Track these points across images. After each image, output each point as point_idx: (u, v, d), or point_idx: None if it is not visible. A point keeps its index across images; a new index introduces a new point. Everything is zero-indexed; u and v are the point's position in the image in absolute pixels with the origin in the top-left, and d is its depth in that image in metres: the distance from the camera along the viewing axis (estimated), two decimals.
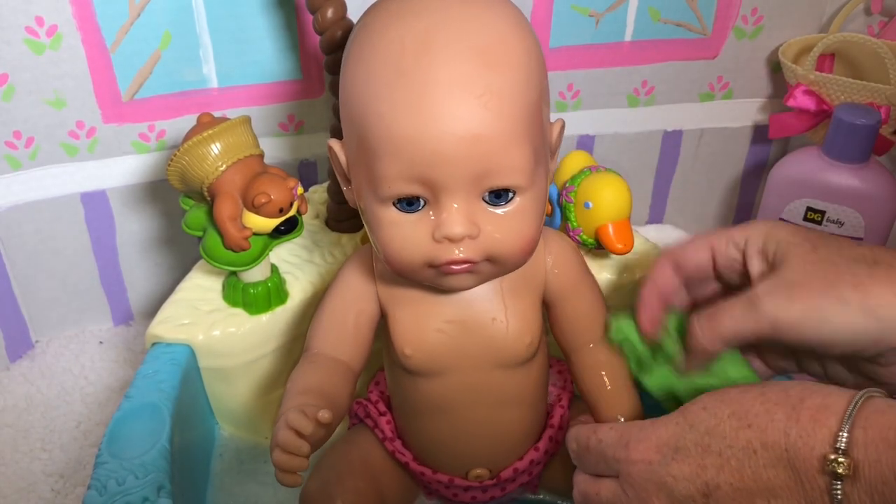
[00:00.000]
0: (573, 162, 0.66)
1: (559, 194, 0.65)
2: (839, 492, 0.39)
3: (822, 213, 0.76)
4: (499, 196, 0.45)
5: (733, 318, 0.48)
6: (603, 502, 0.48)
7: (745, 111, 0.88)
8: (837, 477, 0.38)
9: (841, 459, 0.38)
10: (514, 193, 0.46)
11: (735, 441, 0.42)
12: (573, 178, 0.64)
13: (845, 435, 0.39)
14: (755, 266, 0.50)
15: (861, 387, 0.42)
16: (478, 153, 0.43)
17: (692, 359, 0.51)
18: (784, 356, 0.53)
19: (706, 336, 0.49)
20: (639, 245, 0.67)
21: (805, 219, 0.78)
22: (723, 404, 0.44)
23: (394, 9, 0.45)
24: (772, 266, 0.49)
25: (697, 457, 0.43)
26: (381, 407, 0.60)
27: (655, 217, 0.95)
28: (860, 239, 0.77)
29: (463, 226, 0.45)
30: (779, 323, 0.46)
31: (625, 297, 0.67)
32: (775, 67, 0.85)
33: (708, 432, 0.43)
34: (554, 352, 0.59)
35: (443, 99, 0.42)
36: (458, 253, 0.46)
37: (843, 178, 0.74)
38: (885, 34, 0.81)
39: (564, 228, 0.64)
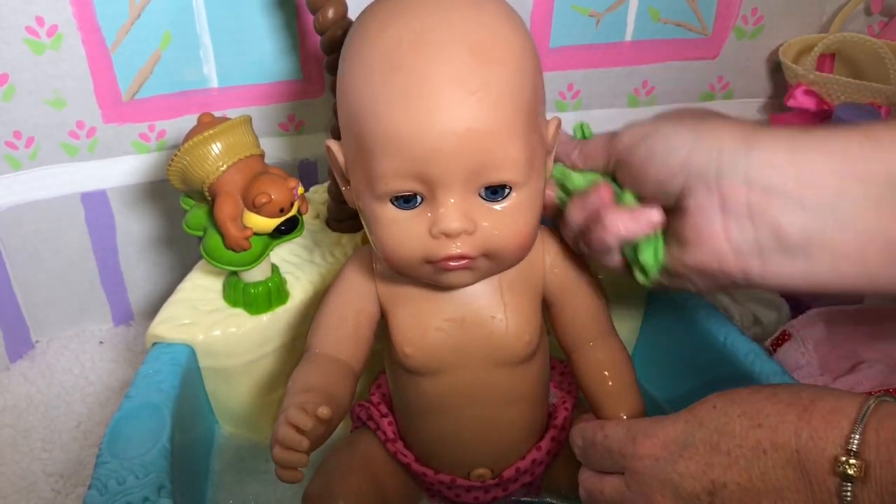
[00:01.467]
0: None
1: None
2: (849, 493, 0.39)
3: None
4: (495, 192, 0.46)
5: (601, 140, 0.53)
6: (607, 499, 0.48)
7: (745, 111, 0.88)
8: (848, 478, 0.38)
9: (852, 461, 0.38)
10: (511, 189, 0.46)
11: (745, 440, 0.42)
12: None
13: (857, 437, 0.39)
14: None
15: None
16: (473, 148, 0.43)
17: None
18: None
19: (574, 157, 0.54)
20: None
21: None
22: (733, 404, 0.44)
23: (390, 8, 0.46)
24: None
25: (705, 455, 0.43)
26: (383, 408, 0.60)
27: None
28: None
29: (459, 221, 0.45)
30: (624, 152, 0.51)
31: (626, 298, 0.67)
32: (775, 67, 0.85)
33: (717, 430, 0.43)
34: (556, 353, 0.59)
35: (438, 95, 0.43)
36: (456, 248, 0.46)
37: None
38: (885, 34, 0.81)
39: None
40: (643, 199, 0.51)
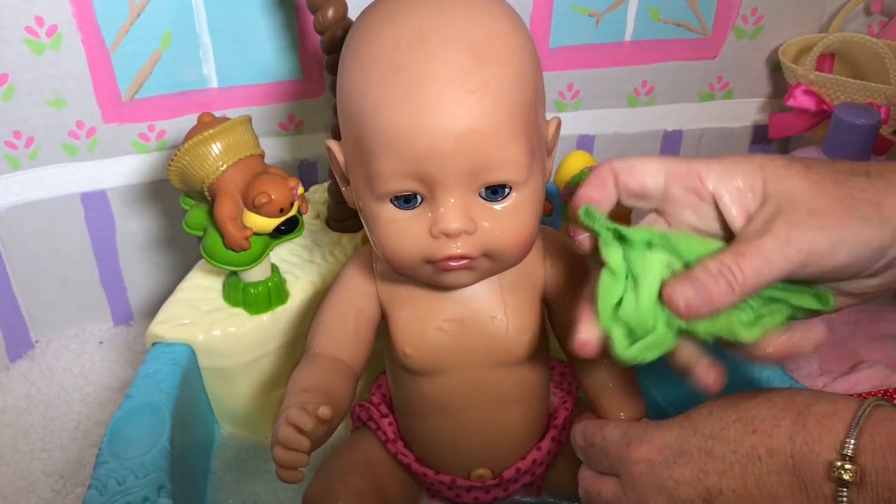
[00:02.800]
0: (574, 162, 0.66)
1: (560, 194, 0.65)
2: (845, 499, 0.38)
3: None
4: (495, 192, 0.46)
5: (765, 258, 0.41)
6: (604, 501, 0.48)
7: (745, 111, 0.88)
8: (843, 483, 0.38)
9: (848, 466, 0.38)
10: (511, 189, 0.46)
11: (739, 446, 0.42)
12: (574, 179, 0.64)
13: (853, 441, 0.38)
14: (733, 202, 0.43)
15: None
16: (472, 148, 0.43)
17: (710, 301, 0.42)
18: None
19: (741, 280, 0.41)
20: None
21: None
22: (729, 409, 0.44)
23: (389, 8, 0.46)
24: (764, 199, 0.43)
25: (700, 461, 0.43)
26: (383, 409, 0.60)
27: None
28: None
29: (459, 221, 0.45)
30: (813, 254, 0.41)
31: None
32: (775, 67, 0.85)
33: (712, 436, 0.43)
34: (557, 353, 0.59)
35: (437, 94, 0.43)
36: (456, 248, 0.46)
37: None
38: (885, 34, 0.81)
39: (565, 228, 0.64)
40: None
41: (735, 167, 0.43)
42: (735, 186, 0.43)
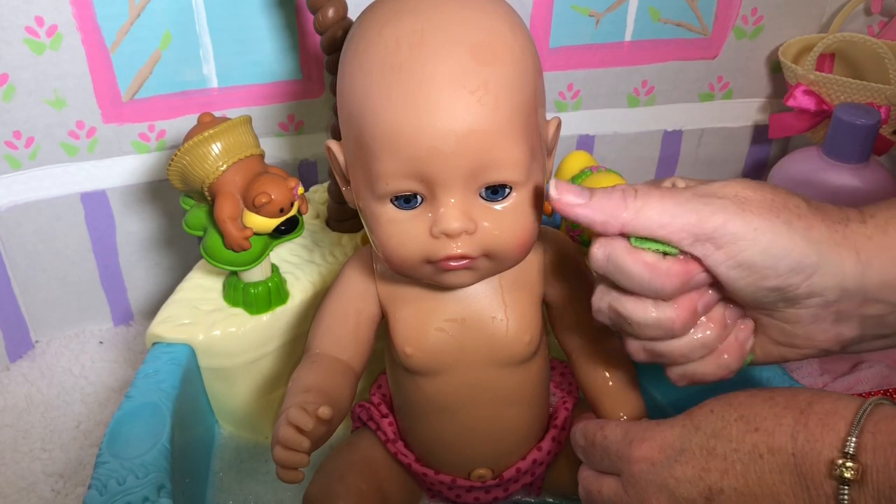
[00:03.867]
0: (574, 162, 0.66)
1: None
2: (846, 497, 0.38)
3: None
4: (495, 192, 0.46)
5: (668, 206, 0.43)
6: (604, 500, 0.48)
7: (745, 111, 0.88)
8: (844, 482, 0.38)
9: (849, 464, 0.38)
10: (511, 189, 0.46)
11: (741, 444, 0.42)
12: (574, 179, 0.64)
13: (854, 439, 0.38)
14: None
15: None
16: (472, 148, 0.43)
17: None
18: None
19: (633, 208, 0.43)
20: None
21: None
22: (730, 408, 0.44)
23: (390, 8, 0.46)
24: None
25: (701, 459, 0.43)
26: (384, 409, 0.60)
27: None
28: None
29: (460, 221, 0.45)
30: (720, 229, 0.42)
31: None
32: (775, 67, 0.85)
33: (714, 435, 0.43)
34: (557, 353, 0.59)
35: (437, 94, 0.43)
36: (456, 248, 0.46)
37: (843, 178, 0.74)
38: (885, 34, 0.81)
39: (565, 229, 0.64)
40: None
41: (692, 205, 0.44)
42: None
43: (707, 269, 0.44)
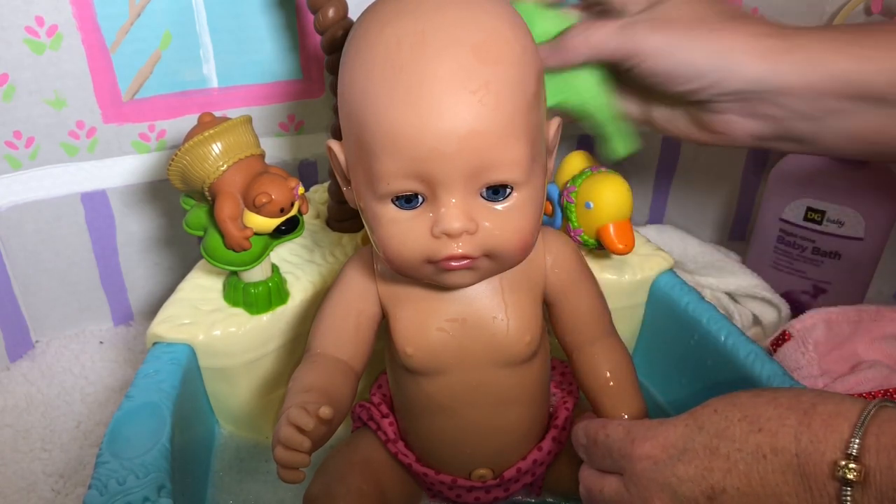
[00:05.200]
0: (574, 162, 0.66)
1: (560, 195, 0.65)
2: (848, 498, 0.38)
3: (823, 213, 0.76)
4: (496, 192, 0.46)
5: (605, 33, 0.58)
6: (606, 499, 0.48)
7: None
8: (847, 483, 0.38)
9: (852, 465, 0.38)
10: (512, 189, 0.46)
11: (744, 445, 0.42)
12: (574, 179, 0.64)
13: (857, 441, 0.39)
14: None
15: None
16: (473, 148, 0.43)
17: (556, 54, 0.60)
18: (636, 97, 0.63)
19: (574, 41, 0.59)
20: (639, 245, 0.67)
21: (805, 219, 0.78)
22: (734, 408, 0.44)
23: (390, 8, 0.46)
24: (651, 4, 0.59)
25: (704, 459, 0.43)
26: (384, 409, 0.60)
27: (656, 217, 0.95)
28: (860, 240, 0.77)
29: (460, 221, 0.45)
30: (639, 48, 0.57)
31: (626, 298, 0.67)
32: None
33: (717, 435, 0.43)
34: (557, 353, 0.59)
35: (438, 94, 0.43)
36: (457, 248, 0.46)
37: (843, 178, 0.74)
38: None
39: (565, 229, 0.65)
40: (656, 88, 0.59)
41: (626, 29, 0.59)
42: None
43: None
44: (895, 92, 0.53)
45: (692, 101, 0.59)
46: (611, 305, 0.58)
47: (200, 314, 0.61)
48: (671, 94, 0.59)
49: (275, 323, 0.62)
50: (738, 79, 0.56)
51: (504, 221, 0.46)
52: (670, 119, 0.63)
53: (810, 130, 0.57)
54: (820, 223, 0.77)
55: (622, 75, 0.61)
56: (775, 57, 0.55)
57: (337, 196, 0.67)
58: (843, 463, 0.38)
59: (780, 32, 0.57)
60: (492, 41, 0.44)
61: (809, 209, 0.77)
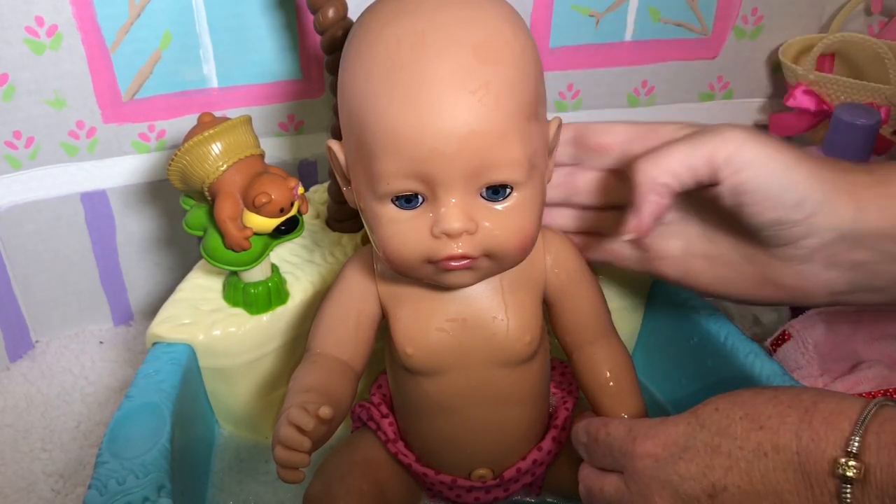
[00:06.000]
0: None
1: None
2: (848, 495, 0.39)
3: None
4: (496, 192, 0.46)
5: (681, 150, 0.47)
6: (607, 497, 0.48)
7: (745, 111, 0.88)
8: (847, 480, 0.39)
9: (852, 463, 0.38)
10: (512, 189, 0.46)
11: (746, 442, 0.42)
12: None
13: (858, 439, 0.39)
14: None
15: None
16: (473, 148, 0.43)
17: (636, 219, 0.49)
18: (706, 226, 0.53)
19: (649, 172, 0.48)
20: None
21: None
22: (735, 406, 0.44)
23: (390, 8, 0.46)
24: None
25: (706, 457, 0.43)
26: (384, 409, 0.60)
27: None
28: None
29: (460, 221, 0.45)
30: (733, 157, 0.46)
31: (626, 298, 0.67)
32: (775, 67, 0.85)
33: (719, 433, 0.43)
34: (557, 353, 0.59)
35: (438, 95, 0.43)
36: (457, 248, 0.46)
37: None
38: (885, 34, 0.81)
39: None
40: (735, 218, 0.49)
41: (703, 140, 0.48)
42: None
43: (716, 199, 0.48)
44: None
45: (766, 244, 0.49)
46: (611, 305, 0.58)
47: (200, 314, 0.61)
48: (755, 223, 0.48)
49: (275, 323, 0.62)
50: (838, 216, 0.46)
51: (504, 221, 0.46)
52: (728, 264, 0.52)
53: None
54: None
55: (686, 201, 0.51)
56: (864, 192, 0.47)
57: (337, 196, 0.67)
58: (844, 460, 0.39)
59: (866, 168, 0.48)
60: (492, 41, 0.44)
61: None
